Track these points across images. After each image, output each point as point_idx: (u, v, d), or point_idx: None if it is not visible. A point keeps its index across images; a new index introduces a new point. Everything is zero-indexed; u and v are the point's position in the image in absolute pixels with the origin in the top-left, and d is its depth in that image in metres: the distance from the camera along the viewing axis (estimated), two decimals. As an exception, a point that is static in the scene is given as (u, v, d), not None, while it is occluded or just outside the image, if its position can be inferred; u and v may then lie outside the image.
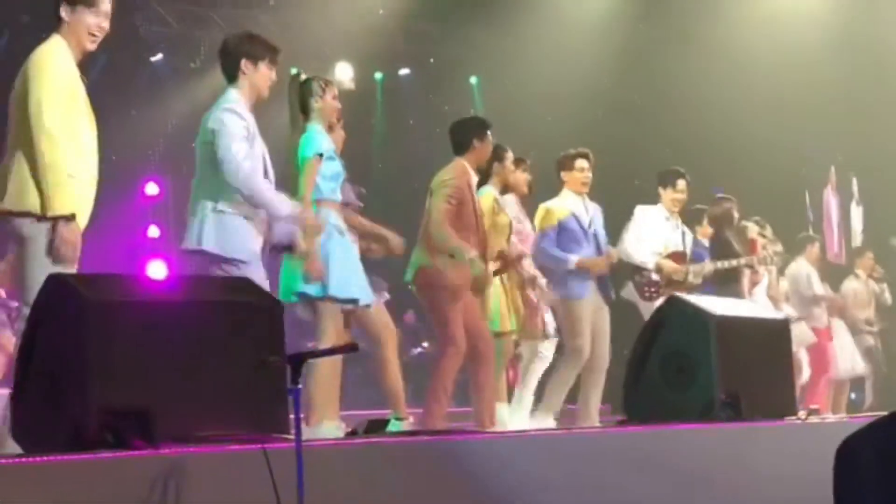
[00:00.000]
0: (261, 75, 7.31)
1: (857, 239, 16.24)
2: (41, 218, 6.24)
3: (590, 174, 10.36)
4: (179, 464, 5.06)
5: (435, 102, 18.29)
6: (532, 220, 10.34)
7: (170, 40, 17.65)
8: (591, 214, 10.32)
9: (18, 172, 6.28)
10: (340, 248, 7.92)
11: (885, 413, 3.62)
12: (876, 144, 16.60)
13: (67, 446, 5.09)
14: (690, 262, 10.95)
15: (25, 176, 6.26)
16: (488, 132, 9.12)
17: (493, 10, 17.86)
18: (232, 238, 7.07)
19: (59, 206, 6.21)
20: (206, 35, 17.71)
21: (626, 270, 10.92)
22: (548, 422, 9.72)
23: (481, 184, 9.41)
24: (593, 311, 10.12)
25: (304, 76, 7.96)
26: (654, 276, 10.75)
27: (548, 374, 10.22)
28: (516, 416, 9.74)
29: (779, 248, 12.88)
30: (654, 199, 11.28)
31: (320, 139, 7.93)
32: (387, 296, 8.65)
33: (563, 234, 10.15)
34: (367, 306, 8.12)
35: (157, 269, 16.79)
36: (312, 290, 7.80)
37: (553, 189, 10.50)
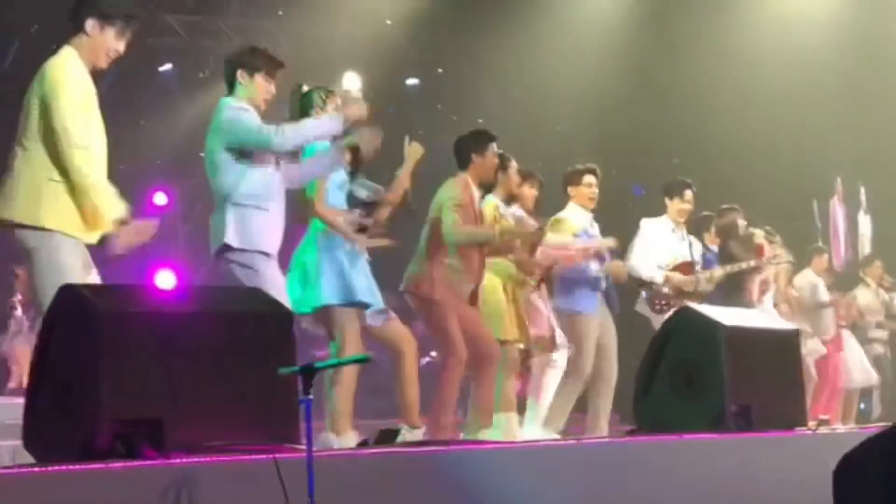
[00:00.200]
0: (257, 86, 7.37)
1: (866, 248, 16.21)
2: (44, 229, 6.23)
3: (596, 190, 10.36)
4: (190, 473, 5.06)
5: (443, 112, 18.30)
6: None
7: (178, 50, 17.66)
8: (595, 232, 10.35)
9: (27, 183, 6.27)
10: (351, 257, 7.93)
11: (883, 425, 3.60)
12: (885, 152, 16.57)
13: (79, 456, 5.10)
14: (700, 270, 10.92)
15: (35, 186, 6.26)
16: (490, 145, 9.02)
17: (500, 20, 17.86)
18: (251, 229, 7.11)
19: (108, 218, 6.25)
20: (214, 45, 17.72)
21: (636, 284, 10.90)
22: (537, 428, 9.71)
23: (486, 192, 9.39)
24: (599, 326, 10.12)
25: (306, 88, 7.95)
26: (664, 289, 10.73)
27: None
28: (529, 426, 9.71)
29: (789, 257, 12.87)
30: (660, 209, 11.26)
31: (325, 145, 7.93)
32: (392, 315, 8.60)
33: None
34: (384, 311, 8.15)
35: (165, 279, 16.81)
36: (334, 298, 7.79)
37: (559, 198, 10.48)
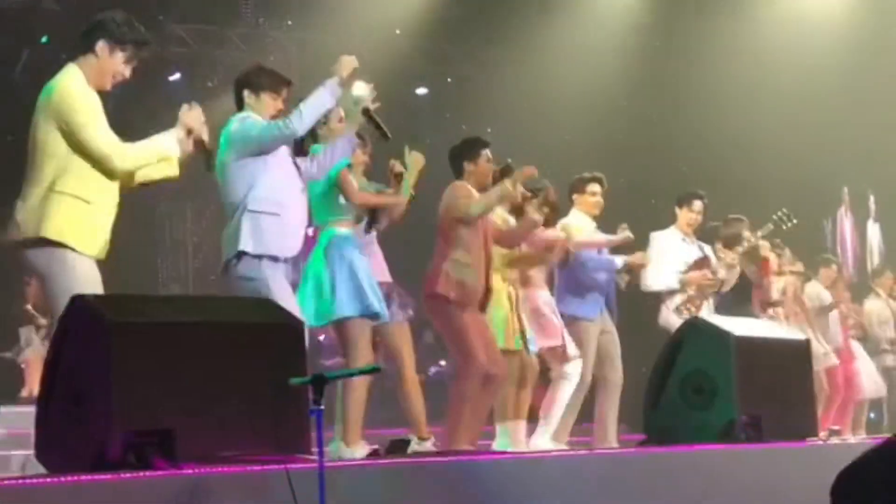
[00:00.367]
0: (264, 104, 7.40)
1: (876, 258, 16.19)
2: (56, 243, 6.25)
3: (601, 199, 10.35)
4: (202, 484, 5.07)
5: (452, 121, 18.32)
6: None
7: (187, 60, 17.68)
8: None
9: (38, 200, 6.29)
10: (363, 267, 7.94)
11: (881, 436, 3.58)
12: (894, 159, 16.56)
13: (91, 466, 5.10)
14: (716, 262, 10.91)
15: (43, 200, 6.28)
16: (482, 151, 8.98)
17: (509, 30, 17.87)
18: (267, 234, 7.13)
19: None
20: (223, 55, 17.76)
21: (655, 298, 10.86)
22: (547, 440, 9.69)
23: None
24: (601, 333, 10.11)
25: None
26: (688, 292, 10.71)
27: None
28: (539, 437, 9.69)
29: (800, 267, 12.85)
30: (669, 218, 11.25)
31: None
32: (411, 312, 8.59)
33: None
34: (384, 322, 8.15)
35: (175, 289, 16.87)
36: (351, 310, 7.79)
37: (566, 206, 10.46)
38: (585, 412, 10.19)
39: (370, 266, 8.13)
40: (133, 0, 15.78)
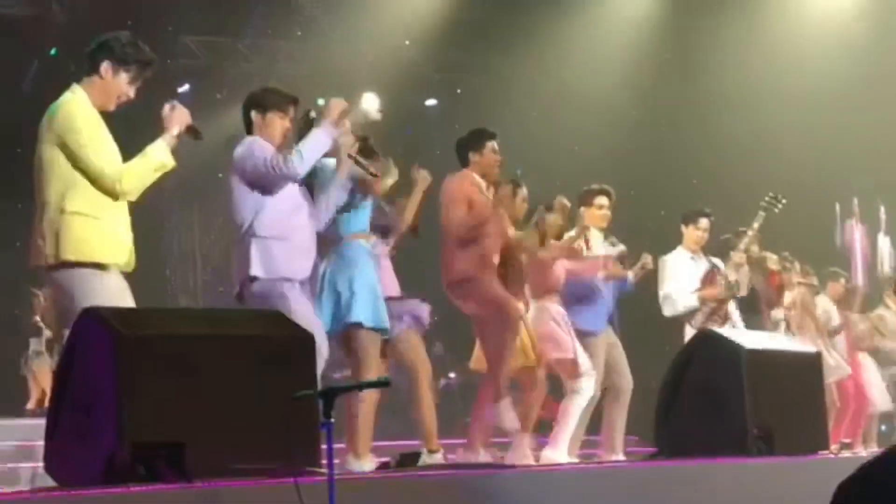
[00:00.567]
0: (271, 124, 7.40)
1: (886, 269, 16.13)
2: (82, 264, 6.27)
3: (609, 212, 10.33)
4: (212, 497, 5.05)
5: (462, 132, 18.29)
6: None
7: (196, 72, 17.71)
8: (618, 249, 10.31)
9: (51, 223, 6.30)
10: (376, 280, 7.95)
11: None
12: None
13: (100, 479, 5.10)
14: (722, 272, 10.88)
15: (55, 222, 6.29)
16: (487, 143, 8.99)
17: (518, 41, 17.87)
18: (275, 259, 7.15)
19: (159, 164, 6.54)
20: (232, 66, 17.79)
21: (676, 322, 10.81)
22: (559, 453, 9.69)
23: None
24: (607, 346, 10.11)
25: (314, 114, 7.95)
26: (709, 306, 10.69)
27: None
28: (552, 450, 9.66)
29: (812, 279, 12.81)
30: (677, 230, 11.24)
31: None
32: (426, 321, 8.59)
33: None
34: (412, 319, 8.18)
35: (184, 301, 16.88)
36: (366, 319, 7.78)
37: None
38: (593, 423, 10.17)
39: (380, 281, 8.14)
40: (142, 12, 15.95)
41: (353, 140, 7.84)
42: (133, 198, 6.51)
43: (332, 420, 4.90)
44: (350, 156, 7.65)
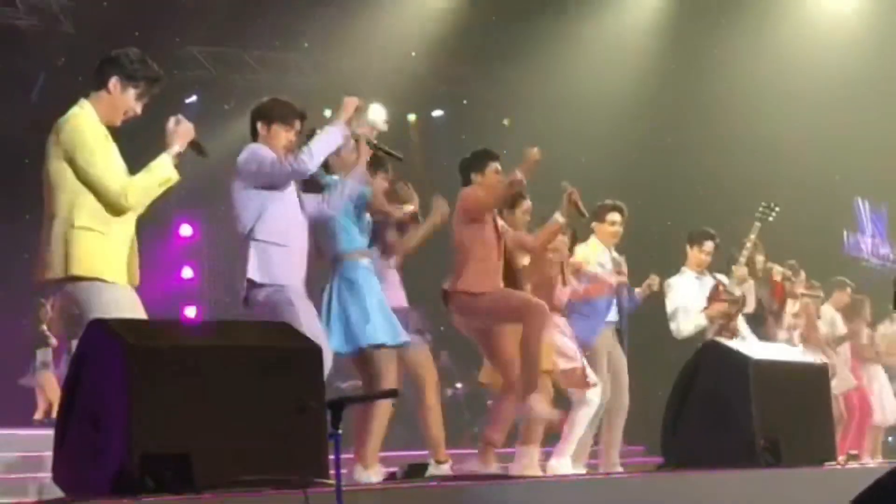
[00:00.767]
0: (275, 136, 7.41)
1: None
2: (91, 278, 6.29)
3: (621, 228, 10.35)
4: (220, 508, 5.05)
5: (468, 143, 18.30)
6: None
7: (204, 82, 17.74)
8: (614, 265, 10.33)
9: (59, 238, 6.32)
10: (384, 297, 7.97)
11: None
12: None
13: (108, 490, 5.10)
14: (726, 287, 10.88)
15: (64, 238, 6.31)
16: (490, 164, 9.01)
17: (526, 52, 17.89)
18: (273, 265, 7.16)
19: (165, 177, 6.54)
20: (239, 77, 17.81)
21: (688, 343, 10.78)
22: (565, 464, 9.69)
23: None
24: (608, 355, 10.12)
25: (319, 132, 7.96)
26: (718, 323, 10.68)
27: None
28: (559, 461, 9.66)
29: (817, 290, 12.80)
30: (682, 242, 11.25)
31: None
32: (429, 337, 8.60)
33: (588, 282, 10.16)
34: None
35: (191, 311, 16.89)
36: (384, 338, 7.80)
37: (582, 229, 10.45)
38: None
39: (387, 291, 8.15)
40: (149, 23, 15.97)
41: (371, 130, 7.84)
42: (138, 212, 6.53)
43: (341, 431, 4.91)
44: (370, 143, 7.66)
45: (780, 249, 12.06)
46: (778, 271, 11.81)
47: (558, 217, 9.15)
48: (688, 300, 10.80)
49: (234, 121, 15.53)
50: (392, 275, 8.52)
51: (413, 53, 18.13)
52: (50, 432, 5.66)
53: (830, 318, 13.68)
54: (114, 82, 6.50)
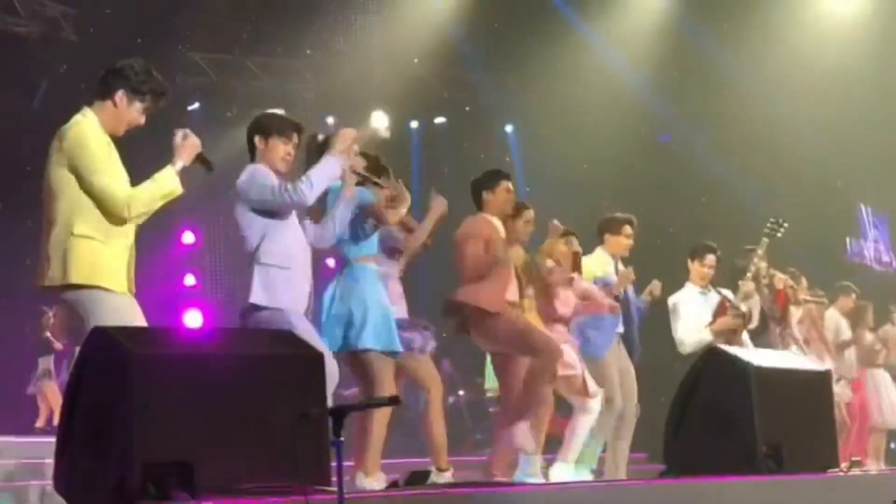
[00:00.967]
0: (273, 150, 7.39)
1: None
2: (90, 286, 6.29)
3: (633, 241, 10.40)
4: (221, 516, 5.04)
5: (471, 150, 18.33)
6: None
7: (206, 89, 17.75)
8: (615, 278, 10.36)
9: (58, 245, 6.33)
10: (387, 303, 7.97)
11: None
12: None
13: (110, 498, 5.10)
14: (733, 302, 10.87)
15: (63, 245, 6.31)
16: (501, 182, 9.07)
17: (529, 58, 17.90)
18: (277, 288, 7.14)
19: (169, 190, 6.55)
20: (242, 84, 17.82)
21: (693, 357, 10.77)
22: (563, 469, 9.70)
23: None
24: (618, 366, 10.14)
25: (321, 137, 7.95)
26: (723, 337, 10.66)
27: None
28: (559, 469, 9.66)
29: (819, 297, 12.80)
30: (685, 250, 11.24)
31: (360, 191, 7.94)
32: (433, 343, 8.60)
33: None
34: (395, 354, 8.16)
35: (193, 318, 16.87)
36: (377, 344, 7.80)
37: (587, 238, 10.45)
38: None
39: (389, 301, 8.15)
40: (151, 30, 15.98)
41: (361, 160, 7.86)
42: (139, 222, 6.53)
43: (342, 438, 4.91)
44: (354, 171, 7.66)
45: (782, 256, 12.06)
46: (780, 278, 11.80)
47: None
48: (693, 316, 10.81)
49: (237, 127, 15.53)
50: (395, 284, 8.53)
51: (415, 60, 18.15)
52: (51, 439, 5.65)
53: (836, 323, 13.69)
54: (120, 95, 6.51)
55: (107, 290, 6.30)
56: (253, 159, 7.43)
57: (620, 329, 10.33)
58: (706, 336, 10.67)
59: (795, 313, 12.18)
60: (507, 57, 18.17)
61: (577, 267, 9.92)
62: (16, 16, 15.67)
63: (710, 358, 8.43)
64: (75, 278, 6.26)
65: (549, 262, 9.59)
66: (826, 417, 8.72)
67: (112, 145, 6.47)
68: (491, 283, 8.74)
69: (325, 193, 7.59)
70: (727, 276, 11.22)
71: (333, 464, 5.03)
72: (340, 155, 7.36)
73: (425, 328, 8.54)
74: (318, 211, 7.68)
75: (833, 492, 8.02)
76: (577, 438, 9.68)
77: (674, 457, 8.15)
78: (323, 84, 18.00)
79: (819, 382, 8.87)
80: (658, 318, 10.89)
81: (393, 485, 7.61)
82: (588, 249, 10.37)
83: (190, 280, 18.01)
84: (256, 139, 7.44)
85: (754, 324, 11.01)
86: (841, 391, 12.74)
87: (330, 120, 16.92)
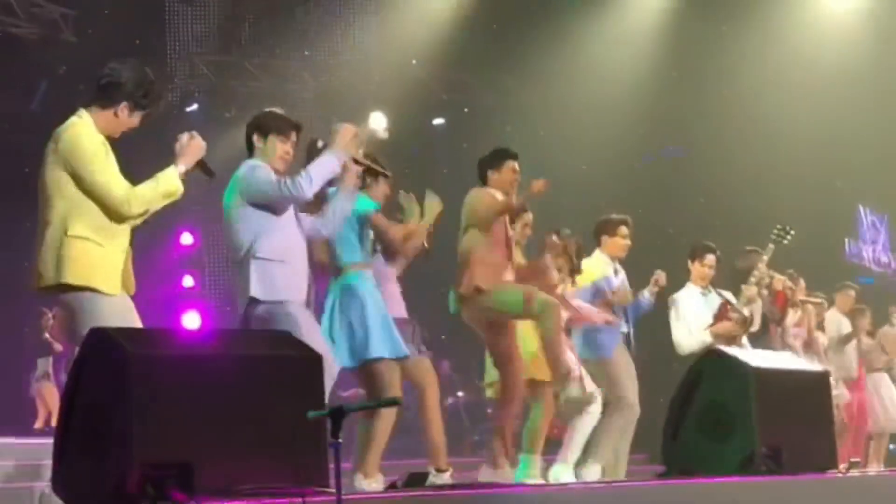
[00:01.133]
0: (271, 148, 7.39)
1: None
2: (84, 288, 6.29)
3: (630, 241, 10.39)
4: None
5: (469, 151, 18.31)
6: None
7: (205, 90, 17.75)
8: (620, 278, 10.34)
9: (54, 246, 6.33)
10: (385, 309, 7.96)
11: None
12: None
13: (108, 499, 5.10)
14: (735, 306, 10.86)
15: (59, 246, 6.31)
16: (506, 161, 9.06)
17: (527, 59, 17.90)
18: (275, 282, 7.13)
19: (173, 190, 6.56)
20: (240, 85, 17.82)
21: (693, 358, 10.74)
22: (596, 472, 9.71)
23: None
24: (626, 366, 10.15)
25: (321, 143, 7.94)
26: (722, 341, 10.64)
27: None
28: (559, 470, 9.67)
29: (818, 299, 12.79)
30: (684, 250, 11.24)
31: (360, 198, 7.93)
32: (425, 349, 8.61)
33: (594, 295, 10.17)
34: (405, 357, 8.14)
35: (192, 320, 16.87)
36: (384, 352, 7.81)
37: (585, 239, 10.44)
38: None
39: (388, 303, 8.15)
40: (150, 31, 15.99)
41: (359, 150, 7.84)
42: (138, 222, 6.53)
43: (341, 440, 4.90)
44: (355, 160, 7.64)
45: (781, 257, 12.05)
46: (779, 279, 11.80)
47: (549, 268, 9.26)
48: (692, 317, 10.79)
49: (235, 128, 15.53)
50: (393, 286, 8.52)
51: (414, 61, 18.15)
52: (50, 441, 5.65)
53: (837, 324, 13.68)
54: (122, 107, 6.51)
55: (101, 291, 6.29)
56: (250, 155, 7.43)
57: (625, 329, 10.32)
58: (706, 338, 10.65)
59: (793, 315, 12.17)
60: (505, 58, 18.16)
61: (574, 271, 9.91)
62: (14, 17, 15.67)
63: (710, 359, 8.44)
64: (69, 279, 6.26)
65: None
66: (825, 419, 8.73)
67: (108, 146, 6.47)
68: (485, 265, 8.70)
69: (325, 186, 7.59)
70: (727, 277, 11.21)
71: (332, 465, 5.03)
72: (340, 150, 7.36)
73: (420, 330, 8.54)
74: (315, 203, 7.66)
75: (832, 493, 8.02)
76: (576, 439, 9.69)
77: (673, 458, 8.17)
78: (321, 85, 18.01)
79: (818, 383, 8.88)
80: (657, 319, 10.88)
81: (392, 486, 7.61)
82: (587, 252, 10.36)
83: (188, 282, 18.00)
84: (255, 137, 7.44)
85: (755, 328, 10.99)
86: (837, 393, 12.74)
87: (337, 126, 16.90)
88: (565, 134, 17.86)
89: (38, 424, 15.22)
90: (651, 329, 10.89)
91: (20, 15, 15.70)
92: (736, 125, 17.36)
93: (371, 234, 8.08)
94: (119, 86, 6.51)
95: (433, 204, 8.50)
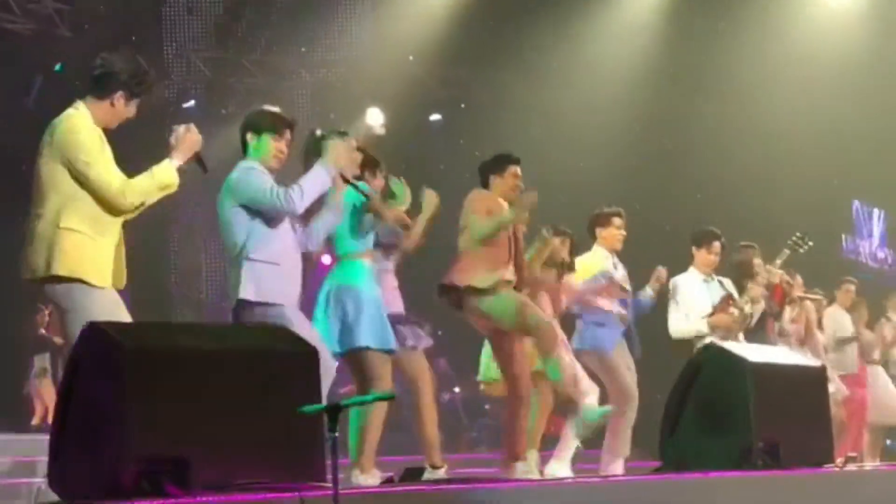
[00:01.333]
0: (266, 147, 7.37)
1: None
2: (74, 280, 6.28)
3: (624, 232, 10.36)
4: (216, 512, 5.03)
5: (466, 147, 18.32)
6: None
7: (202, 87, 17.75)
8: (621, 273, 10.33)
9: (46, 238, 6.32)
10: (380, 300, 7.96)
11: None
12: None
13: (104, 494, 5.09)
14: (737, 300, 10.84)
15: (50, 238, 6.31)
16: (509, 167, 9.01)
17: (524, 56, 17.90)
18: (267, 284, 7.11)
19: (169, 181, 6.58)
20: (237, 82, 17.83)
21: (689, 347, 10.71)
22: (618, 467, 9.72)
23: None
24: (625, 362, 10.16)
25: (319, 132, 7.93)
26: (716, 335, 10.61)
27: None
28: (556, 465, 9.67)
29: (816, 294, 12.78)
30: (682, 246, 11.22)
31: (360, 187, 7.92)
32: (429, 341, 8.59)
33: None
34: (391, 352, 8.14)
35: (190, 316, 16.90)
36: (373, 342, 7.80)
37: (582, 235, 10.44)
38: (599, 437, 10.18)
39: (384, 297, 8.14)
40: (146, 28, 15.98)
41: (359, 155, 7.84)
42: (133, 215, 6.52)
43: (337, 434, 4.90)
44: (344, 179, 7.63)
45: (777, 252, 12.05)
46: (777, 274, 11.79)
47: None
48: (691, 302, 10.76)
49: (232, 125, 15.47)
50: (390, 280, 8.51)
51: (410, 57, 18.15)
52: (45, 437, 5.65)
53: (837, 320, 13.67)
54: (118, 97, 6.53)
55: (90, 283, 6.29)
56: (244, 154, 7.41)
57: (623, 326, 10.32)
58: (701, 327, 10.64)
59: (790, 311, 12.16)
60: (502, 55, 18.16)
61: (568, 266, 9.91)
62: (10, 13, 15.66)
63: (707, 354, 8.44)
64: (59, 270, 6.26)
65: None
66: (822, 413, 8.72)
67: (104, 139, 6.47)
68: (484, 259, 8.70)
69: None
70: (722, 272, 11.19)
71: (328, 460, 5.03)
72: (331, 166, 7.33)
73: (419, 325, 8.53)
74: (306, 214, 7.65)
75: (829, 487, 8.02)
76: (573, 436, 9.70)
77: (670, 452, 8.16)
78: (318, 81, 18.01)
79: (815, 378, 8.87)
80: (656, 317, 10.88)
81: (388, 481, 7.61)
82: (584, 249, 10.36)
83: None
84: (249, 136, 7.42)
85: (753, 322, 10.96)
86: (835, 389, 12.73)
87: (332, 117, 16.93)
88: (562, 130, 17.86)
89: (35, 421, 15.22)
90: (647, 324, 10.88)
91: (16, 10, 15.70)
92: (733, 121, 17.38)
93: (368, 224, 8.05)
94: (113, 75, 6.52)
95: (430, 197, 8.49)
